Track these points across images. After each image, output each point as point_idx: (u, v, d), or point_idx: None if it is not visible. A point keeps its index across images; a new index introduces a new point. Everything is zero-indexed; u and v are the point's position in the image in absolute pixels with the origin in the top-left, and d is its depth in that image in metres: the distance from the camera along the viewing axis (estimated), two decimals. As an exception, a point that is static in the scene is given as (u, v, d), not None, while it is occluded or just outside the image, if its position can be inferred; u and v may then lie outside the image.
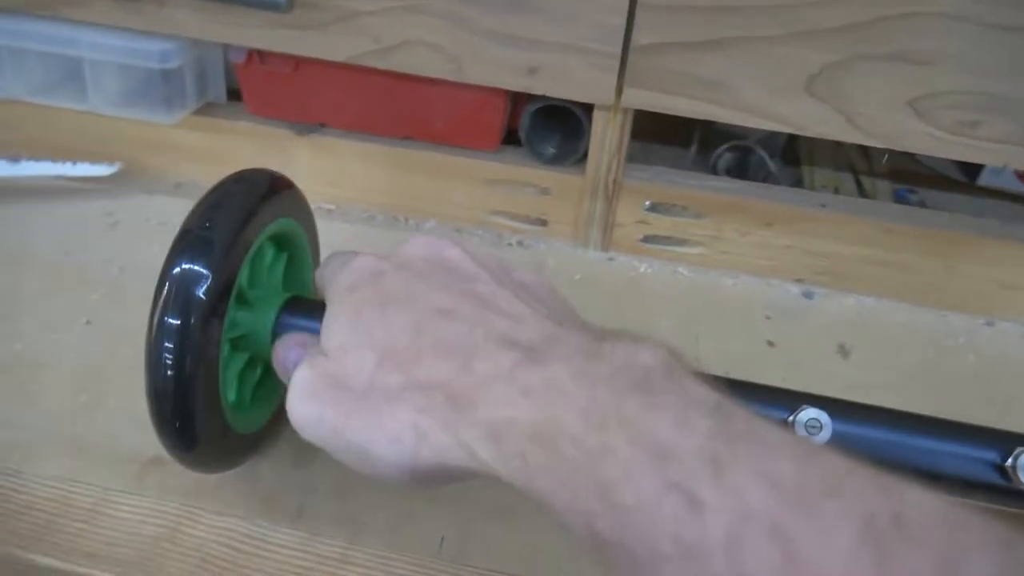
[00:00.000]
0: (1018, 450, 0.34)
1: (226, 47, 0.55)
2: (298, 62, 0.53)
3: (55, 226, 0.56)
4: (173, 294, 0.34)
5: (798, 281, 0.56)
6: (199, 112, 0.57)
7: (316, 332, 0.34)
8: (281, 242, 0.42)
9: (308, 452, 0.44)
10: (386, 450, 0.29)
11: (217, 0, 0.44)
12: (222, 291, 0.35)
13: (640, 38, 0.45)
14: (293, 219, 0.42)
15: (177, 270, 0.34)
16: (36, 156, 0.58)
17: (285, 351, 0.35)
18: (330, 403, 0.30)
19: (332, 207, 0.58)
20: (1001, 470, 0.34)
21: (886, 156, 0.63)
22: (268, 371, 0.41)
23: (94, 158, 0.58)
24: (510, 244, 0.58)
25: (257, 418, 0.41)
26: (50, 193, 0.58)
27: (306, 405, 0.31)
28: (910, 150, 0.47)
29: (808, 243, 0.54)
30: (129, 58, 0.52)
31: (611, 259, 0.57)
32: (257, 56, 0.54)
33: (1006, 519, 0.20)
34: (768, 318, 0.54)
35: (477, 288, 0.31)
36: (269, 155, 0.57)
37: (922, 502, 0.21)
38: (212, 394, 0.36)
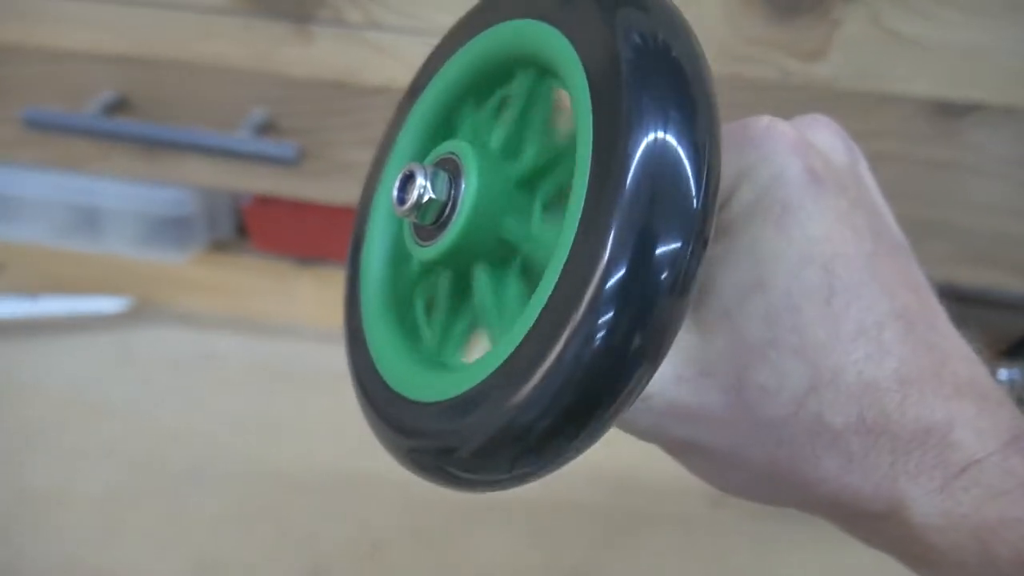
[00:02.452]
0: None
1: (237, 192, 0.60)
2: (302, 204, 0.58)
3: (71, 360, 0.59)
4: (642, 196, 0.18)
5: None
6: (208, 249, 0.62)
7: None
8: None
9: (318, 567, 0.46)
10: (799, 481, 0.22)
11: (234, 159, 0.48)
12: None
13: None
14: None
15: (638, 140, 0.18)
16: (53, 293, 0.62)
17: None
18: (710, 418, 0.22)
19: (333, 332, 0.62)
20: None
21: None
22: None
23: (107, 293, 0.62)
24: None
25: None
26: (66, 328, 0.62)
27: (675, 424, 0.22)
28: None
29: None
30: (144, 206, 0.57)
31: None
32: (264, 199, 0.58)
33: None
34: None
35: (916, 272, 0.23)
36: (273, 286, 0.61)
37: None
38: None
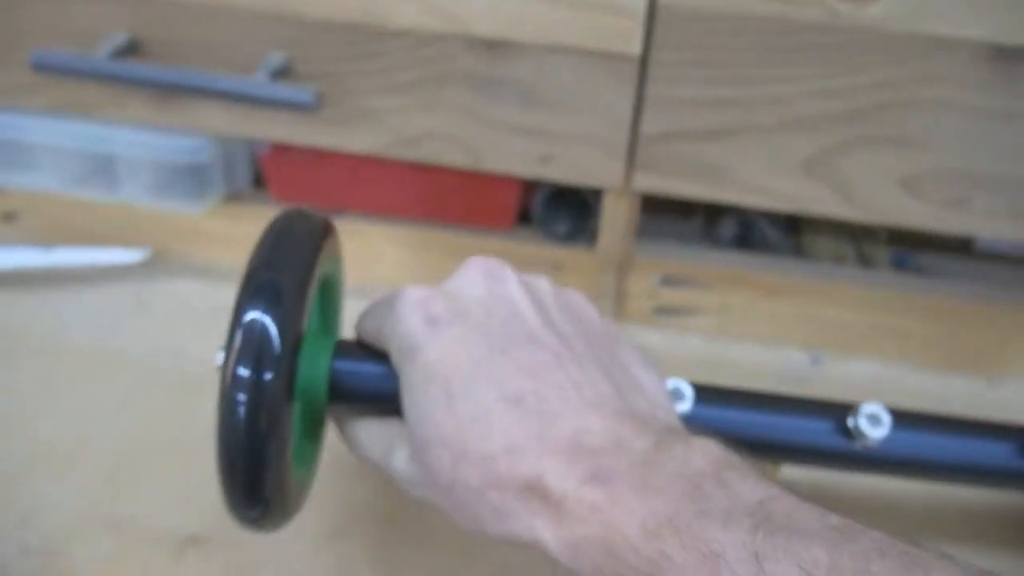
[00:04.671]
0: None
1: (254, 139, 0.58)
2: (321, 152, 0.56)
3: (87, 312, 0.58)
4: (244, 344, 0.32)
5: (805, 348, 0.58)
6: (225, 200, 0.60)
7: (371, 377, 0.36)
8: (325, 287, 0.41)
9: (344, 524, 0.45)
10: (484, 531, 0.31)
11: (248, 103, 0.47)
12: (293, 339, 0.33)
13: (647, 128, 0.48)
14: (335, 263, 0.41)
15: (248, 318, 0.32)
16: (67, 244, 0.60)
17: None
18: (426, 488, 0.32)
19: (355, 288, 0.61)
20: None
21: (884, 232, 0.65)
22: (316, 421, 0.40)
23: (124, 245, 0.60)
24: (525, 318, 0.60)
25: (310, 468, 0.40)
26: (81, 280, 0.60)
27: (412, 489, 0.33)
28: (905, 226, 0.49)
29: (813, 312, 0.56)
30: (160, 154, 0.55)
31: (623, 331, 0.59)
32: (282, 147, 0.57)
33: None
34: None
35: (542, 358, 0.31)
36: (292, 238, 0.59)
37: None
38: (284, 448, 0.34)
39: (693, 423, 0.37)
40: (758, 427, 0.39)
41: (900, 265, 0.65)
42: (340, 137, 0.52)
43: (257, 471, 0.33)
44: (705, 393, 0.39)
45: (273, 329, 0.32)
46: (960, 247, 0.67)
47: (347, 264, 0.60)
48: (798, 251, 0.65)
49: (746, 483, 0.27)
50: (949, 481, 0.42)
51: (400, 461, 0.33)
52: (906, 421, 0.39)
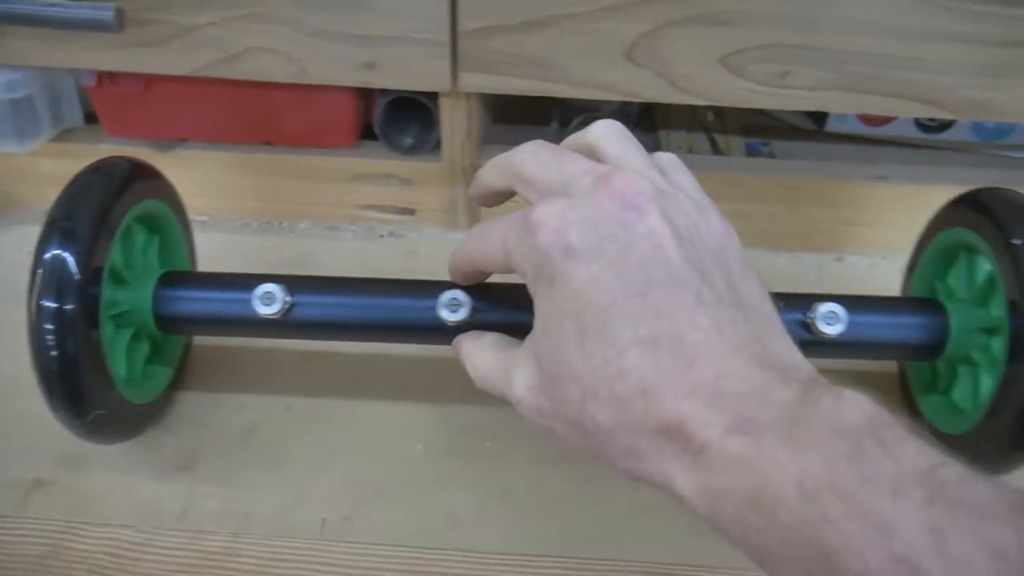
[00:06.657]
0: (815, 305, 0.41)
1: (76, 71, 0.55)
2: (148, 80, 0.54)
3: (-77, 268, 0.56)
4: (46, 279, 0.37)
5: (658, 240, 0.58)
6: (58, 139, 0.57)
7: (195, 299, 0.41)
8: (151, 224, 0.45)
9: (190, 455, 0.45)
10: (612, 465, 0.30)
11: (48, 26, 0.44)
12: (91, 272, 0.38)
13: (465, 24, 0.47)
14: (160, 201, 0.44)
15: (47, 256, 0.37)
16: (-103, 200, 0.58)
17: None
18: (550, 419, 0.31)
19: (205, 219, 0.59)
20: (805, 325, 0.42)
21: (709, 112, 0.66)
22: (156, 344, 0.45)
23: (-43, 195, 0.58)
24: (382, 235, 0.59)
25: (153, 387, 0.45)
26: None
27: (537, 417, 0.32)
28: (730, 104, 0.50)
29: (662, 203, 0.57)
30: (-25, 92, 0.53)
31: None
32: (108, 78, 0.54)
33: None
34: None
35: (682, 298, 0.29)
36: (134, 175, 0.57)
37: None
38: (99, 367, 0.39)
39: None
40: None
41: (753, 153, 0.66)
42: (158, 60, 0.50)
43: (75, 391, 0.38)
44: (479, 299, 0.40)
45: (71, 263, 0.37)
46: (811, 134, 0.68)
47: (190, 196, 0.58)
48: (654, 149, 0.66)
49: (908, 446, 0.25)
50: None
51: (521, 389, 0.32)
52: None
